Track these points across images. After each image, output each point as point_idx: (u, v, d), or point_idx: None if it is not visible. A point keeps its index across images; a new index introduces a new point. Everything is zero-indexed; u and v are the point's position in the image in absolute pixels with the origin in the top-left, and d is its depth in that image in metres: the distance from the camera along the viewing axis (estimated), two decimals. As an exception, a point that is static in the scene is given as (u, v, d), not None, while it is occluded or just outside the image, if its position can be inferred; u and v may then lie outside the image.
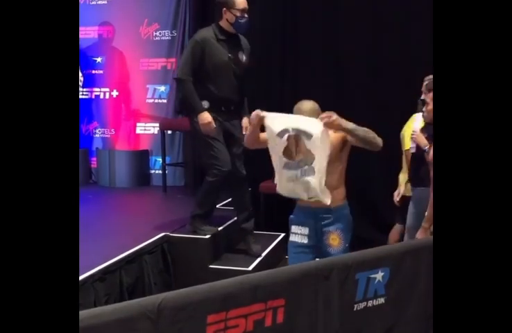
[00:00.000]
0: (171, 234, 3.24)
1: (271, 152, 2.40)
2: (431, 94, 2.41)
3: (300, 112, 2.41)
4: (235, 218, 3.76)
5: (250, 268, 3.15)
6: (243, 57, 3.25)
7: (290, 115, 2.40)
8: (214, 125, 3.14)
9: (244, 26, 3.18)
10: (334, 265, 1.54)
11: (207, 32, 3.19)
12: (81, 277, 2.37)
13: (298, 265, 1.48)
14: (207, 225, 3.32)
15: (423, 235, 2.62)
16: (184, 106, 3.35)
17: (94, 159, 5.16)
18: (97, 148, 5.16)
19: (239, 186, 3.39)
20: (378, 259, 1.86)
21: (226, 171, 3.17)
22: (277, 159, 2.37)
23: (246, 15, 3.15)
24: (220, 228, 3.45)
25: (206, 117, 3.11)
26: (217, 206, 3.85)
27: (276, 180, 2.43)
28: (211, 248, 3.26)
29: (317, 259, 1.50)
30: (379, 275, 1.82)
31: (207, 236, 3.25)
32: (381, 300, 1.85)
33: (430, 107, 2.45)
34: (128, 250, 2.86)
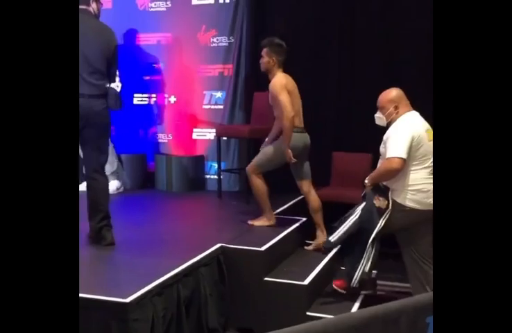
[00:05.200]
0: (227, 245, 3.26)
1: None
2: None
3: None
4: (291, 227, 3.76)
5: (306, 282, 3.12)
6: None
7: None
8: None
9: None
10: (403, 309, 1.49)
11: None
12: (140, 293, 2.42)
13: (366, 309, 1.44)
14: None
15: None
16: None
17: (152, 163, 5.27)
18: (155, 153, 5.27)
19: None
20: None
21: None
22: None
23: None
24: (276, 239, 3.44)
25: None
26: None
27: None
28: (266, 260, 3.26)
29: (385, 304, 1.47)
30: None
31: (263, 248, 3.24)
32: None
33: None
34: (184, 261, 2.89)
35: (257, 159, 3.69)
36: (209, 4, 5.02)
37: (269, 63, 3.50)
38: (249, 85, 4.88)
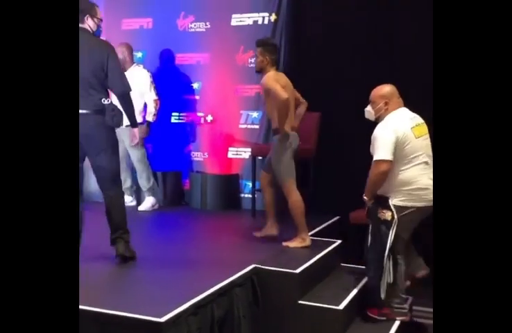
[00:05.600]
0: (261, 266, 3.23)
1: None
2: None
3: None
4: (326, 250, 3.70)
5: (341, 306, 3.06)
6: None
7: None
8: None
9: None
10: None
11: None
12: (175, 312, 2.41)
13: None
14: None
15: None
16: None
17: (187, 181, 5.30)
18: (190, 171, 5.31)
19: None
20: None
21: None
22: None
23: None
24: (311, 261, 3.39)
25: None
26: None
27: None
28: (300, 283, 3.21)
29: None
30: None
31: (297, 271, 3.20)
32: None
33: None
34: (219, 281, 2.88)
35: (278, 175, 3.67)
36: (248, 25, 5.09)
37: (263, 62, 3.63)
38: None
